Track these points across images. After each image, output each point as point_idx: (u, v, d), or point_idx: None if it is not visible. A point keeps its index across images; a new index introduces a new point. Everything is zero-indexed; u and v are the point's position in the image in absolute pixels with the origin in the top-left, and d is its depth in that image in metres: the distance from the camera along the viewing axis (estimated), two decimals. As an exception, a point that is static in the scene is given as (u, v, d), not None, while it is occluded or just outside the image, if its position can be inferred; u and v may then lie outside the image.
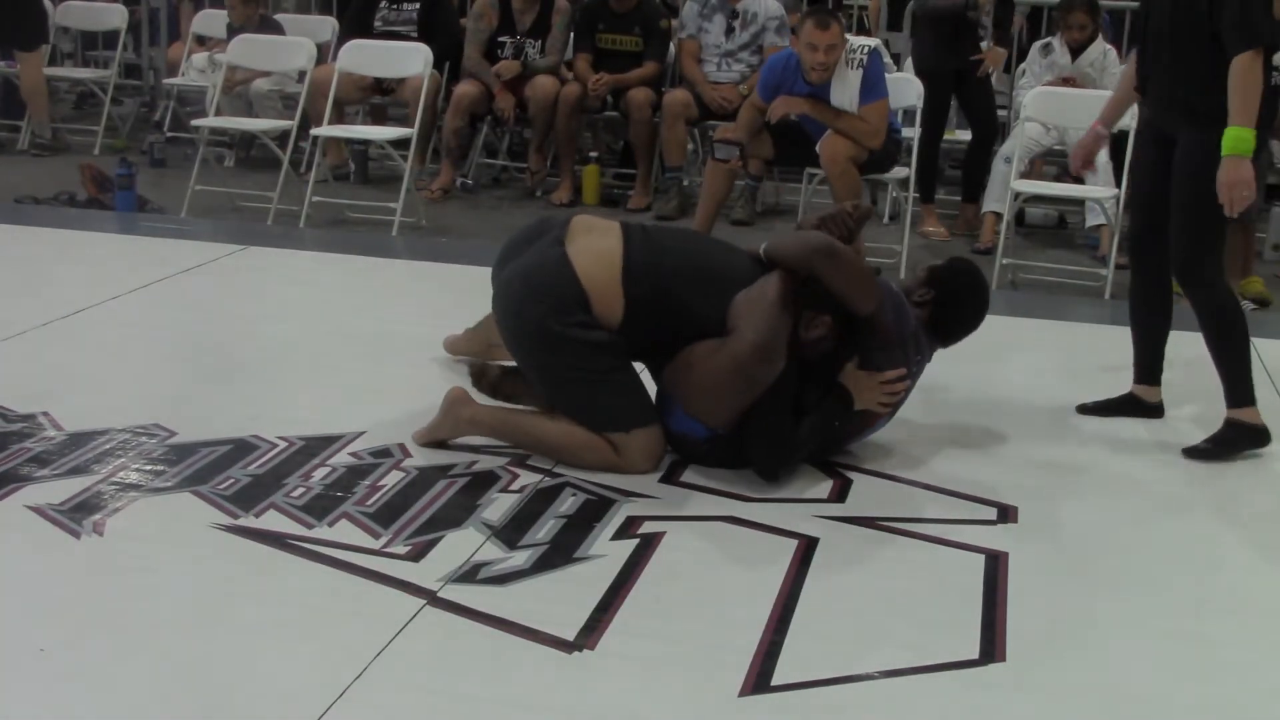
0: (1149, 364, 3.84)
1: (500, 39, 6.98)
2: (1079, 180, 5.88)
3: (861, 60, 5.44)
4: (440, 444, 3.37)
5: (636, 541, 2.92)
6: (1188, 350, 3.87)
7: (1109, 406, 3.84)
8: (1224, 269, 3.71)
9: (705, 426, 3.24)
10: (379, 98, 7.32)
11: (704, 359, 3.19)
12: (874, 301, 3.24)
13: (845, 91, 5.47)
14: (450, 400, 3.40)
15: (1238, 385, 3.61)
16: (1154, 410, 3.83)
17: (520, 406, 3.46)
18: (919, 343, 3.40)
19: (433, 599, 2.63)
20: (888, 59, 5.90)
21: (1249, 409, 3.59)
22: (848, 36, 5.59)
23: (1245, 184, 3.36)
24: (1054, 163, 6.93)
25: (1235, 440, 3.58)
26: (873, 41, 5.74)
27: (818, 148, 5.50)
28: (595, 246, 3.25)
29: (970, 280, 3.60)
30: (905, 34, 7.25)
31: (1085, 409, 3.84)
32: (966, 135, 6.84)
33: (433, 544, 2.86)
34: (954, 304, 3.50)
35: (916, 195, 6.26)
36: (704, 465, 3.28)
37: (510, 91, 6.88)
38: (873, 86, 5.48)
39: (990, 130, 6.70)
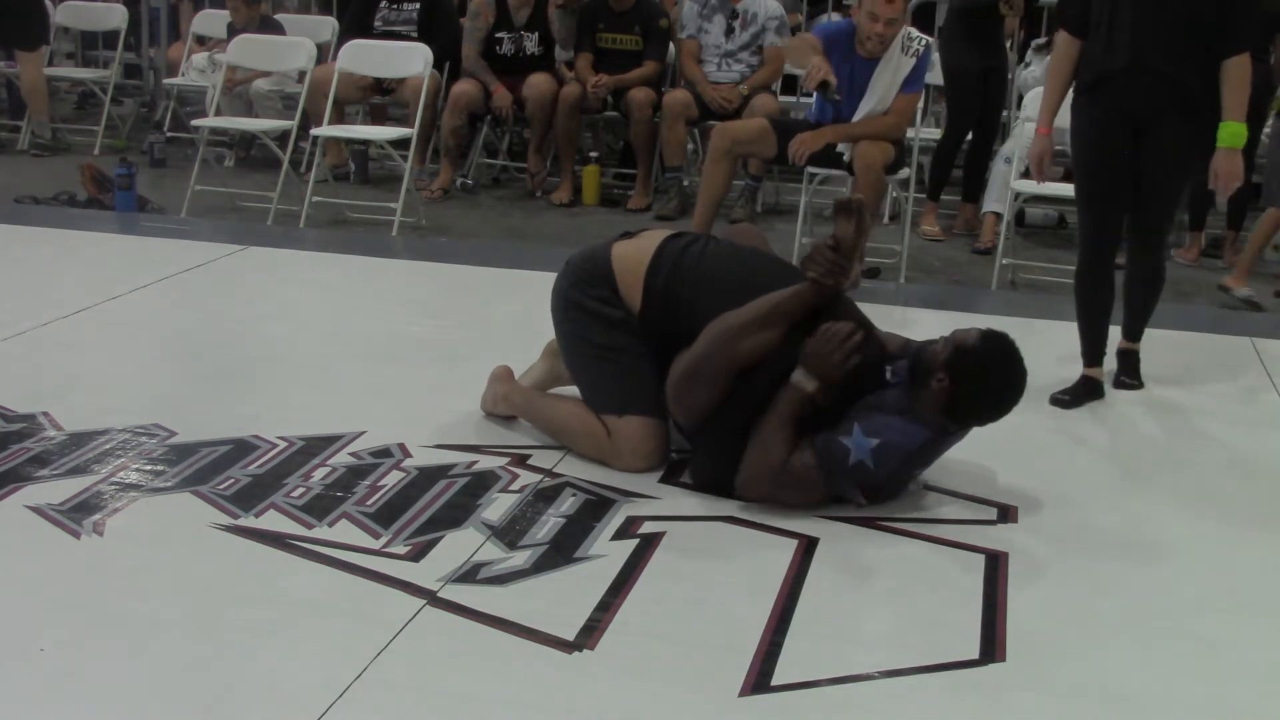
0: (1100, 346, 4.03)
1: (498, 35, 6.99)
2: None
3: (917, 50, 5.32)
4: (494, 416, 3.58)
5: (636, 541, 2.92)
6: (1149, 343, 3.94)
7: (1077, 393, 3.95)
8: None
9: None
10: (379, 98, 7.33)
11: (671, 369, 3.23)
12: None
13: (891, 76, 5.33)
14: (493, 376, 3.61)
15: (1143, 323, 4.05)
16: (1101, 389, 4.01)
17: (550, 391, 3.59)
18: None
19: (433, 599, 2.63)
20: (935, 57, 5.80)
21: (1138, 344, 4.06)
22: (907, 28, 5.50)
23: (1239, 175, 3.71)
24: (1056, 163, 6.90)
25: (1138, 372, 4.04)
26: (928, 37, 5.64)
27: (846, 157, 5.40)
28: (639, 242, 3.40)
29: (994, 370, 3.06)
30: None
31: (1057, 401, 3.91)
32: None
33: (433, 544, 2.86)
34: (971, 397, 3.05)
35: (920, 194, 6.25)
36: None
37: (508, 90, 6.89)
38: (917, 78, 5.39)
39: (992, 130, 6.70)
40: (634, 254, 3.35)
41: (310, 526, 2.92)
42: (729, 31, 6.72)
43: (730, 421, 3.11)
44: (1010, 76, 7.02)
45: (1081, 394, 3.95)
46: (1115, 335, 4.19)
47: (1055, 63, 3.97)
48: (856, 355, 3.03)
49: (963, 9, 6.45)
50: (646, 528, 2.98)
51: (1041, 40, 6.87)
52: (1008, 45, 7.14)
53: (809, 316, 3.11)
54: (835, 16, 7.75)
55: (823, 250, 3.10)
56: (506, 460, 3.33)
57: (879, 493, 3.08)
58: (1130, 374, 4.06)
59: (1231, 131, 3.64)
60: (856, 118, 5.42)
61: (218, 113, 7.07)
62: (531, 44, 6.97)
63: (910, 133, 6.15)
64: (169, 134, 7.79)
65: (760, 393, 3.09)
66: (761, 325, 3.09)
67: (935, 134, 6.94)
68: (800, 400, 3.04)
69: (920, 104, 5.65)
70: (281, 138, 6.69)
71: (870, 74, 5.36)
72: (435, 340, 4.32)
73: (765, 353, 3.10)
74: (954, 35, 6.51)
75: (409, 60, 6.69)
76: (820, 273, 3.09)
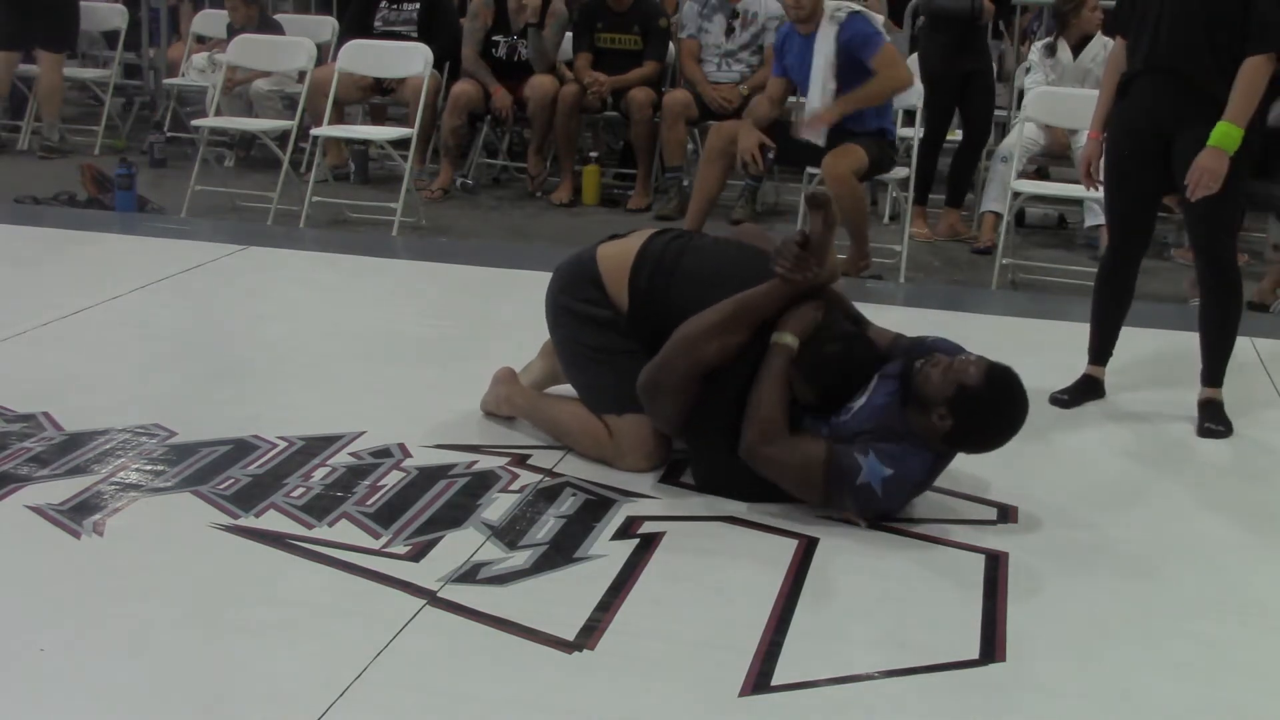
0: (1108, 347, 4.01)
1: (494, 38, 6.98)
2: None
3: (839, 18, 5.34)
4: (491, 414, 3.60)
5: (636, 541, 2.92)
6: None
7: (1077, 391, 3.96)
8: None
9: None
10: (379, 98, 7.33)
11: None
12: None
13: (824, 45, 5.36)
14: (496, 378, 3.60)
15: (1221, 365, 3.83)
16: (1102, 389, 4.01)
17: (552, 392, 3.60)
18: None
19: (433, 599, 2.63)
20: (875, 19, 5.79)
21: (1219, 389, 3.83)
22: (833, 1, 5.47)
23: (1219, 177, 3.50)
24: (1041, 160, 6.86)
25: (1225, 417, 3.78)
26: (854, 5, 5.59)
27: (821, 166, 5.43)
28: (624, 242, 3.40)
29: (997, 411, 3.01)
30: (905, 32, 7.24)
31: (1056, 400, 3.92)
32: (958, 136, 6.86)
33: (433, 544, 2.86)
34: (974, 434, 3.02)
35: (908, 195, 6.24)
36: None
37: (508, 90, 6.89)
38: (867, 39, 5.36)
39: (983, 134, 6.66)
40: (618, 254, 3.35)
41: (310, 526, 2.92)
42: (729, 31, 6.73)
43: (715, 420, 3.10)
44: (1012, 78, 7.02)
45: (1081, 393, 3.95)
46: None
47: (1109, 65, 3.89)
48: (818, 277, 3.09)
49: (938, 16, 6.42)
50: (646, 528, 2.98)
51: (1044, 41, 6.84)
52: (1007, 45, 7.14)
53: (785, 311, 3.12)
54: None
55: (790, 246, 3.09)
56: (506, 460, 3.33)
57: (879, 515, 3.06)
58: (1214, 420, 3.76)
59: (1225, 133, 3.46)
60: (809, 94, 5.46)
61: (218, 113, 7.08)
62: (526, 50, 6.96)
63: (909, 132, 6.16)
64: (169, 134, 7.79)
65: (742, 390, 3.08)
66: (728, 327, 3.08)
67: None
68: (785, 357, 3.03)
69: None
70: (281, 138, 6.69)
71: (812, 43, 5.43)
72: (435, 340, 4.32)
73: (735, 354, 3.08)
74: (932, 40, 6.47)
75: (409, 60, 6.69)
76: (787, 269, 3.08)
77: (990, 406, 2.98)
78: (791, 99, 5.94)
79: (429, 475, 3.22)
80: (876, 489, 2.96)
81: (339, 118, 6.96)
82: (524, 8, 6.78)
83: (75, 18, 7.95)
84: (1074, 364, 4.03)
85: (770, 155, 5.57)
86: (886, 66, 5.39)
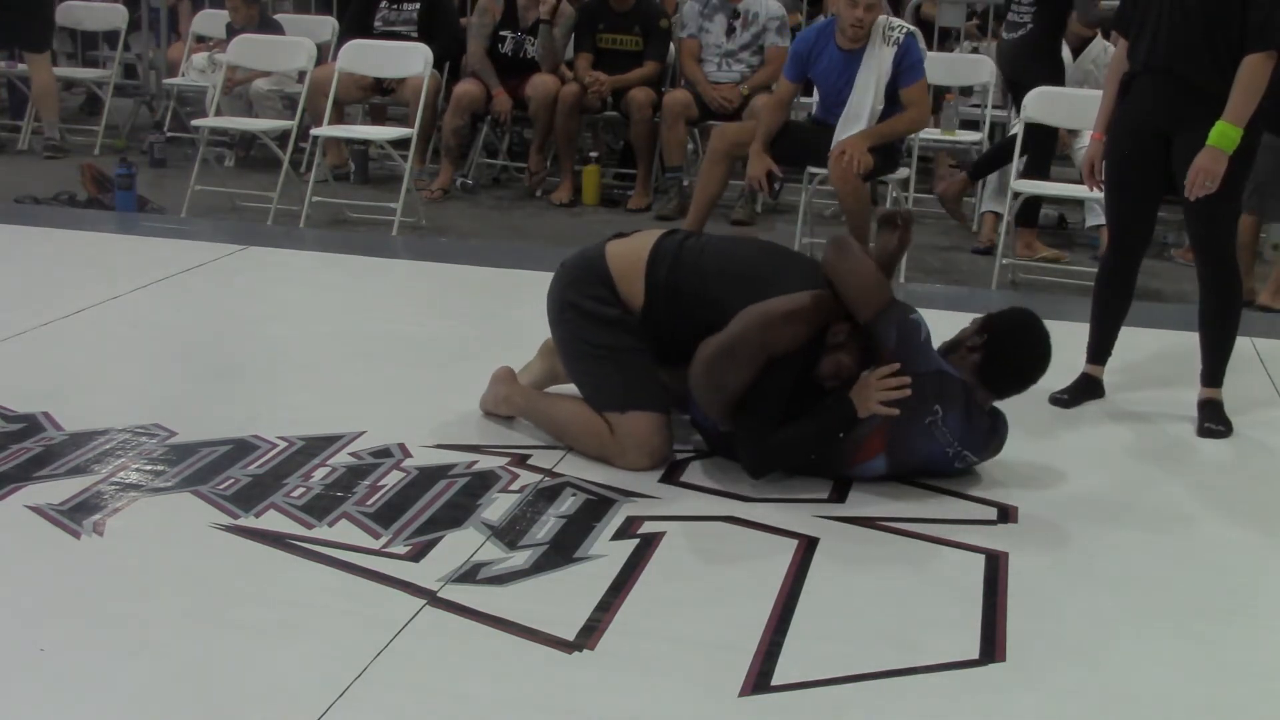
0: (1107, 346, 4.03)
1: (501, 33, 6.99)
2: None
3: (898, 39, 5.33)
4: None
5: (636, 541, 2.92)
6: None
7: (1076, 391, 3.97)
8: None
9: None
10: (379, 97, 7.33)
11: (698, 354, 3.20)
12: (871, 310, 3.10)
13: (877, 65, 5.33)
14: (494, 377, 3.60)
15: (1221, 365, 3.83)
16: (1101, 389, 4.02)
17: (553, 390, 3.60)
18: (944, 388, 3.15)
19: (433, 599, 2.63)
20: (922, 44, 5.77)
21: (1219, 389, 3.83)
22: (884, 16, 5.43)
23: (1217, 176, 3.51)
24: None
25: (1225, 417, 3.79)
26: (909, 25, 5.62)
27: (828, 168, 5.41)
28: (634, 240, 3.41)
29: (1027, 333, 3.33)
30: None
31: (1056, 400, 3.93)
32: (967, 135, 6.85)
33: (433, 544, 2.86)
34: (1006, 355, 3.27)
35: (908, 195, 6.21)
36: (728, 458, 3.29)
37: (509, 93, 6.89)
38: (913, 67, 5.37)
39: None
40: (630, 251, 3.35)
41: (310, 526, 2.92)
42: (730, 31, 6.72)
43: (767, 405, 3.12)
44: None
45: (1080, 392, 3.95)
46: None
47: (1112, 66, 3.89)
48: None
49: (1091, 23, 6.22)
50: (646, 528, 2.98)
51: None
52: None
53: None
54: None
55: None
56: (506, 460, 3.33)
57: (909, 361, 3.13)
58: (1214, 420, 3.77)
59: (1222, 132, 3.46)
60: (850, 110, 5.41)
61: (218, 113, 7.07)
62: (534, 48, 6.96)
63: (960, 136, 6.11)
64: (169, 134, 7.79)
65: (790, 380, 3.12)
66: (805, 317, 3.11)
67: (935, 134, 6.92)
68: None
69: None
70: (281, 138, 6.69)
71: (855, 67, 5.38)
72: (435, 340, 4.32)
73: (798, 346, 3.12)
74: (1049, 51, 6.10)
75: (409, 60, 6.69)
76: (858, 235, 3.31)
77: (1018, 326, 3.33)
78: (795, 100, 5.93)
79: (429, 475, 3.22)
80: (921, 326, 3.13)
81: (339, 118, 6.96)
82: (538, 2, 6.79)
83: (46, 16, 7.93)
84: (1074, 364, 4.03)
85: (778, 186, 5.58)
86: (917, 104, 5.44)
